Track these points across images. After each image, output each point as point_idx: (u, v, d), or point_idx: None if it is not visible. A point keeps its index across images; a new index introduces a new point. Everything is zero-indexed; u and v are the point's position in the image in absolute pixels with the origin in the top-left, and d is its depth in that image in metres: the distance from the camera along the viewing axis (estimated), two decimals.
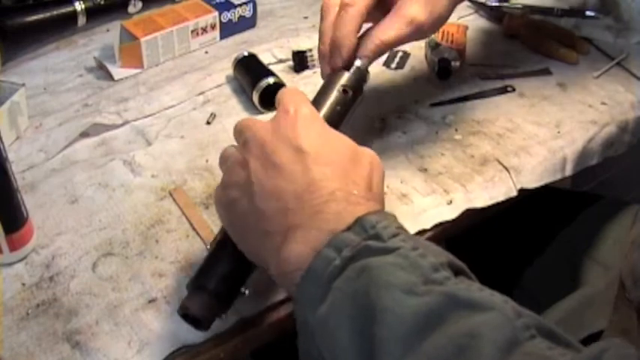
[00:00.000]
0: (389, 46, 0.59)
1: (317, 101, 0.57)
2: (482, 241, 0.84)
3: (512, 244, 0.83)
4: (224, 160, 0.52)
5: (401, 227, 0.45)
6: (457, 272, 0.43)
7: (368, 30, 0.60)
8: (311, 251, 0.44)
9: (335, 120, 0.56)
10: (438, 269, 0.41)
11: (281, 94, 0.53)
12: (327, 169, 0.47)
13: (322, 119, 0.53)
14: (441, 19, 0.61)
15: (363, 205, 0.46)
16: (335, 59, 0.59)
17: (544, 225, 0.81)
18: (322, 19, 0.61)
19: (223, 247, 0.52)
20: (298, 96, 0.52)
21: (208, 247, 0.54)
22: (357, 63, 0.59)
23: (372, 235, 0.43)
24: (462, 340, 0.37)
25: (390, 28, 0.59)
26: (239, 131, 0.53)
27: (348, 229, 0.44)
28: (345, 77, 0.58)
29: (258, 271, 0.53)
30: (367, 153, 0.51)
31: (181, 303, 0.51)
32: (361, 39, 0.60)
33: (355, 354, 0.40)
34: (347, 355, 0.40)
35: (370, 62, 0.60)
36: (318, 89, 0.59)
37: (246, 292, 0.52)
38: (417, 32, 0.59)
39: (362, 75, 0.60)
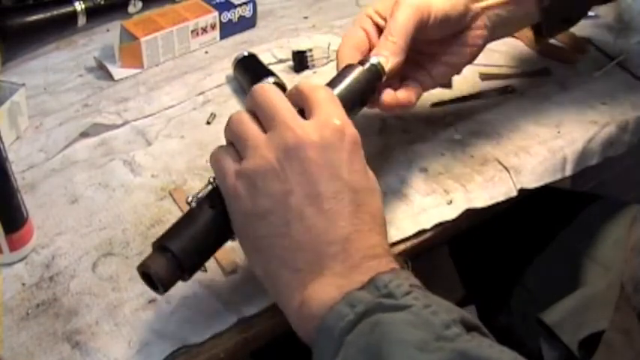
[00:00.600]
0: (403, 34, 0.57)
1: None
2: (483, 241, 0.84)
3: (512, 244, 0.83)
4: (246, 144, 0.47)
5: (414, 285, 0.44)
6: (469, 329, 0.42)
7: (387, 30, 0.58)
8: (339, 298, 0.43)
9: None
10: (449, 326, 0.40)
11: (313, 91, 0.49)
12: (367, 217, 0.46)
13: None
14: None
15: (385, 258, 0.46)
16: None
17: (544, 225, 0.81)
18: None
19: (200, 212, 0.49)
20: (339, 107, 0.49)
21: (189, 199, 0.50)
22: (373, 60, 0.56)
23: (384, 294, 0.42)
24: None
25: (394, 20, 0.57)
26: (265, 110, 0.48)
27: (362, 287, 0.43)
28: (357, 70, 0.56)
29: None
30: (373, 183, 0.49)
31: (142, 261, 0.48)
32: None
33: None
34: None
35: (391, 62, 0.57)
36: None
37: (206, 269, 0.50)
38: (421, 10, 0.58)
39: (377, 73, 0.56)
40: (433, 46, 0.63)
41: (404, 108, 0.60)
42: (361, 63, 0.57)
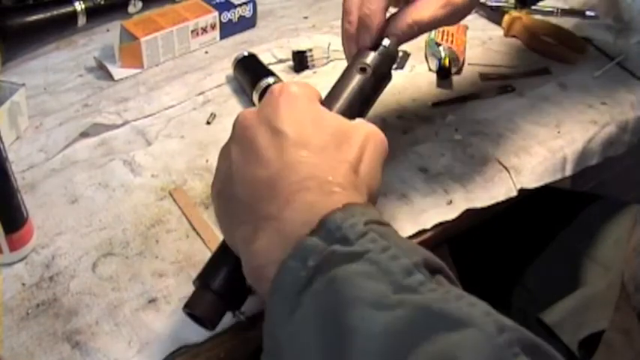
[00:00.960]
0: (423, 28, 0.55)
1: (337, 84, 0.54)
2: (483, 241, 0.84)
3: (512, 244, 0.83)
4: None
5: (371, 220, 0.40)
6: (434, 271, 0.39)
7: (400, 10, 0.57)
8: (279, 247, 0.41)
9: (355, 103, 0.52)
10: (411, 272, 0.37)
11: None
12: (304, 152, 0.44)
13: (314, 98, 0.49)
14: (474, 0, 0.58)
15: (337, 194, 0.42)
16: (363, 38, 0.55)
17: (544, 225, 0.81)
18: None
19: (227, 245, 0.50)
20: (293, 81, 0.50)
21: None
22: (385, 42, 0.55)
23: (338, 238, 0.39)
24: None
25: (424, 8, 0.55)
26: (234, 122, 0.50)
27: (313, 232, 0.40)
28: (370, 56, 0.54)
29: None
30: (362, 130, 0.47)
31: (187, 301, 0.49)
32: (391, 18, 0.56)
33: None
34: None
35: (399, 43, 0.56)
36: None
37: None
38: (453, 14, 0.56)
39: (389, 55, 0.55)
40: None
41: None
42: (374, 48, 0.55)
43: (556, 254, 0.79)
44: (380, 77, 0.55)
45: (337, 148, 0.45)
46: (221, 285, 0.48)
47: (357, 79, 0.53)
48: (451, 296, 0.36)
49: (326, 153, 0.45)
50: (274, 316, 0.39)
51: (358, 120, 0.50)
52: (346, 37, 0.57)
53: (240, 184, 0.45)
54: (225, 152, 0.49)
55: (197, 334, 0.53)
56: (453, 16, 0.56)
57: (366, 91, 0.54)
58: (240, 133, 0.48)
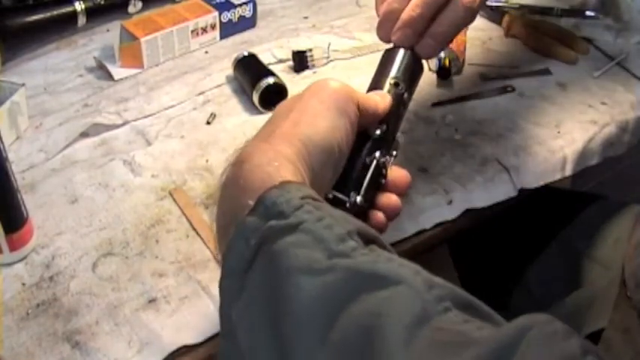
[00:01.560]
0: (427, 7, 0.56)
1: (377, 77, 0.56)
2: (483, 241, 0.84)
3: (512, 244, 0.83)
4: None
5: (307, 196, 0.41)
6: (368, 241, 0.39)
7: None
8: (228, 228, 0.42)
9: (392, 116, 0.54)
10: (344, 239, 0.38)
11: None
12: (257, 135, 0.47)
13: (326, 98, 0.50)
14: None
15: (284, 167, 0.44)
16: (405, 33, 0.57)
17: (544, 225, 0.81)
18: None
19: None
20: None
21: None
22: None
23: (274, 214, 0.40)
24: (367, 321, 0.34)
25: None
26: None
27: (252, 211, 0.41)
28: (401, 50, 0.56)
29: None
30: (308, 91, 0.49)
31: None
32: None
33: (267, 352, 0.36)
34: (261, 355, 0.37)
35: (414, 30, 0.56)
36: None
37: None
38: (470, 15, 0.57)
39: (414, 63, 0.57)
40: None
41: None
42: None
43: (556, 254, 0.79)
44: (412, 69, 0.56)
45: (286, 112, 0.48)
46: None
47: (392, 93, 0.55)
48: (381, 259, 0.37)
49: (272, 122, 0.48)
50: (226, 297, 0.40)
51: None
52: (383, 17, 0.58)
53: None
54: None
55: (197, 334, 0.53)
56: (470, 16, 0.57)
57: (403, 84, 0.55)
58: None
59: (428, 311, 0.33)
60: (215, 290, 0.56)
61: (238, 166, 0.45)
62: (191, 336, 0.53)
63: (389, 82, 0.54)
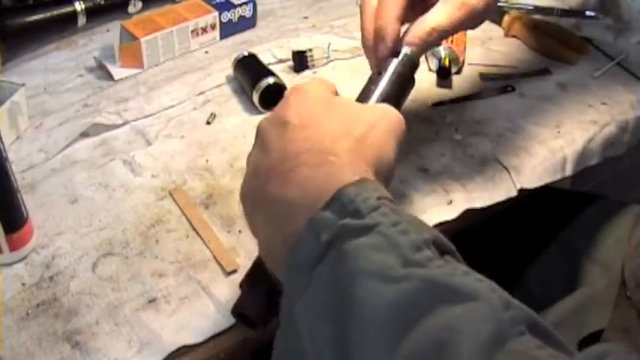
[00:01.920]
0: (442, 33, 0.56)
1: (364, 91, 0.55)
2: (483, 241, 0.84)
3: (512, 244, 0.83)
4: None
5: (383, 197, 0.40)
6: (443, 252, 0.38)
7: (418, 19, 0.57)
8: (284, 228, 0.41)
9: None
10: (420, 248, 0.37)
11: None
12: (305, 132, 0.44)
13: (324, 92, 0.49)
14: (491, 1, 0.58)
15: (330, 164, 0.42)
16: (380, 49, 0.56)
17: (544, 225, 0.81)
18: (362, 13, 0.58)
19: None
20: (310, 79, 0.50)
21: None
22: (405, 50, 0.56)
23: (350, 212, 0.39)
24: (441, 335, 0.33)
25: (440, 14, 0.56)
26: None
27: (326, 206, 0.40)
28: (392, 64, 0.55)
29: None
30: (376, 110, 0.48)
31: (236, 302, 0.48)
32: (410, 27, 0.57)
33: (332, 353, 0.36)
34: (325, 353, 0.36)
35: (420, 51, 0.57)
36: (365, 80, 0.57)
37: None
38: (471, 16, 0.57)
39: (410, 62, 0.56)
40: None
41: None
42: (395, 55, 0.56)
43: (556, 254, 0.79)
44: (402, 84, 0.55)
45: (342, 124, 0.45)
46: (273, 284, 0.47)
47: (386, 84, 0.54)
48: (458, 272, 0.36)
49: (327, 128, 0.45)
50: (291, 292, 0.40)
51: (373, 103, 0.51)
52: (366, 50, 0.58)
53: (252, 178, 0.46)
54: (247, 157, 0.49)
55: (197, 334, 0.53)
56: (471, 20, 0.57)
57: (395, 94, 0.55)
58: (256, 136, 0.48)
59: (503, 332, 0.33)
60: (215, 290, 0.56)
61: (288, 170, 0.43)
62: (191, 336, 0.53)
63: (376, 97, 0.54)
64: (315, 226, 0.39)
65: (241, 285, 0.49)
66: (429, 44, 0.57)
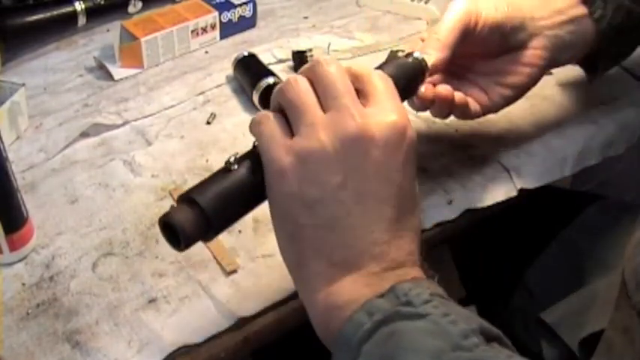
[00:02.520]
0: (450, 32, 0.57)
1: None
2: (483, 241, 0.84)
3: (512, 244, 0.83)
4: (303, 118, 0.44)
5: (435, 293, 0.42)
6: (489, 339, 0.40)
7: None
8: (363, 301, 0.42)
9: None
10: (468, 336, 0.39)
11: (373, 77, 0.46)
12: (410, 225, 0.46)
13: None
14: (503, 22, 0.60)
15: (414, 266, 0.45)
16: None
17: (544, 225, 0.81)
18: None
19: (237, 174, 0.46)
20: (399, 101, 0.47)
21: (231, 160, 0.46)
22: (416, 54, 0.56)
23: (403, 302, 0.41)
24: None
25: (442, 19, 0.58)
26: (328, 86, 0.45)
27: (382, 296, 0.42)
28: (401, 61, 0.55)
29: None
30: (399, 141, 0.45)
31: (166, 212, 0.45)
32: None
33: None
34: None
35: (435, 57, 0.57)
36: None
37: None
38: (469, 12, 0.58)
39: (413, 68, 0.55)
40: (489, 64, 0.63)
41: (446, 105, 0.60)
42: (406, 56, 0.56)
43: (556, 254, 0.79)
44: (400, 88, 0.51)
45: (418, 218, 0.47)
46: (208, 203, 0.44)
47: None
48: (502, 356, 0.39)
49: (418, 224, 0.48)
50: None
51: None
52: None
53: (347, 223, 0.44)
54: (329, 158, 0.43)
55: (197, 334, 0.53)
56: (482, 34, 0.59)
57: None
58: (360, 159, 0.44)
59: None
60: (215, 290, 0.56)
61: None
62: (191, 336, 0.53)
63: None
64: (369, 307, 0.41)
65: (179, 197, 0.46)
66: (443, 44, 0.57)
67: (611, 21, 0.64)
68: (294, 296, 0.56)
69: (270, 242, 0.60)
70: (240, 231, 0.62)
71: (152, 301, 0.56)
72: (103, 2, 0.87)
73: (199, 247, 0.60)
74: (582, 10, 0.64)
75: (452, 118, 0.76)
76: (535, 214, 0.81)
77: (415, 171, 0.47)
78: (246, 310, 0.55)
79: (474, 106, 0.62)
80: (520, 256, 0.81)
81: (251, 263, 0.59)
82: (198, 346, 0.53)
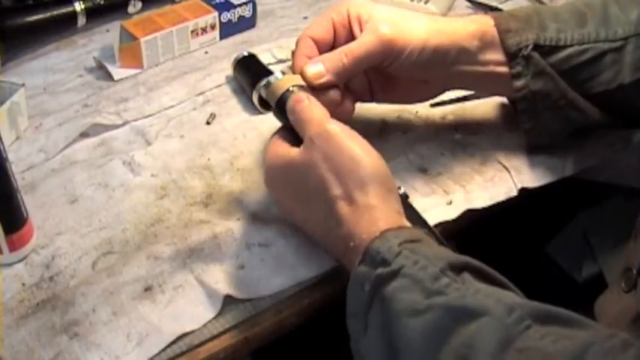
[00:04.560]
0: (358, 62, 0.59)
1: None
2: (483, 241, 0.84)
3: (513, 244, 0.83)
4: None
5: (404, 241, 0.47)
6: (459, 270, 0.44)
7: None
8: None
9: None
10: (438, 277, 0.43)
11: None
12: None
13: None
14: (415, 40, 0.60)
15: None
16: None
17: (544, 225, 0.81)
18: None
19: None
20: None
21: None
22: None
23: (379, 262, 0.46)
24: (463, 352, 0.39)
25: (358, 44, 0.59)
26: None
27: (361, 261, 0.48)
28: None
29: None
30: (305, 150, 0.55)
31: None
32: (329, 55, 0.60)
33: None
34: None
35: (337, 78, 0.60)
36: None
37: None
38: (389, 50, 0.59)
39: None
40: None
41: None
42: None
43: (556, 254, 0.79)
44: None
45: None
46: None
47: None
48: (469, 292, 0.42)
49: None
50: (353, 334, 0.48)
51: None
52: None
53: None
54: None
55: (194, 321, 0.53)
56: (390, 52, 0.60)
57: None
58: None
59: (510, 335, 0.39)
60: (208, 279, 0.56)
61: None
62: (188, 323, 0.53)
63: None
64: (358, 278, 0.47)
65: None
66: (347, 73, 0.60)
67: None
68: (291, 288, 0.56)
69: (267, 232, 0.60)
70: (238, 219, 0.62)
71: (148, 289, 0.56)
72: (102, 2, 0.87)
73: (197, 237, 0.60)
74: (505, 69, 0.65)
75: (452, 118, 0.76)
76: (535, 214, 0.81)
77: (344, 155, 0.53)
78: (246, 310, 0.55)
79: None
80: (520, 257, 0.81)
81: (246, 251, 0.59)
82: (198, 346, 0.53)
